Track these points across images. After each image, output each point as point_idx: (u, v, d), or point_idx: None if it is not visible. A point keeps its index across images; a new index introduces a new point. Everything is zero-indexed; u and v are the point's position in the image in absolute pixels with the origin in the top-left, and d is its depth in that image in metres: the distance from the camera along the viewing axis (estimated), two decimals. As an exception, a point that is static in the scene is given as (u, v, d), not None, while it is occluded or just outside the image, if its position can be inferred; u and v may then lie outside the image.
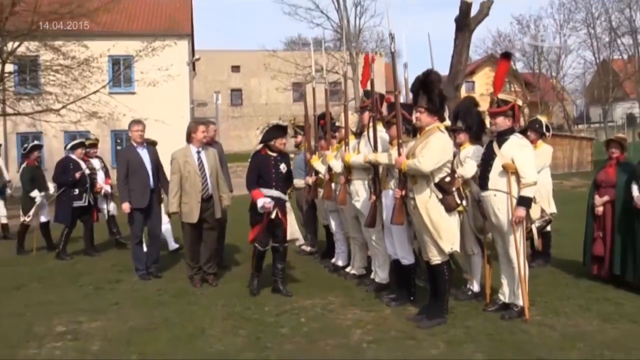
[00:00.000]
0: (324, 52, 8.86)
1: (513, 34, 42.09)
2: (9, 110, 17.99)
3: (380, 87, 5.67)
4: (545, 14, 54.20)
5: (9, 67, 17.30)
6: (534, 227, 6.46)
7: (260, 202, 6.11)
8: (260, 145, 6.56)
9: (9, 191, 11.17)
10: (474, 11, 14.30)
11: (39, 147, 10.44)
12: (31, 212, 9.48)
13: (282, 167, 6.44)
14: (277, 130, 6.46)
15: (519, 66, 42.58)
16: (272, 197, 6.21)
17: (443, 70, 15.35)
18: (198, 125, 7.20)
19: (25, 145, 11.39)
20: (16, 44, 15.99)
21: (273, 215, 6.15)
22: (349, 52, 23.84)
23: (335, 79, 24.47)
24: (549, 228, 7.58)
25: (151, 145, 8.15)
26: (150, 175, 7.55)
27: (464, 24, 14.15)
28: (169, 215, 7.58)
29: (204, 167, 6.95)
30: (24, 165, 9.98)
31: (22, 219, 9.63)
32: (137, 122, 7.90)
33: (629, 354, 4.50)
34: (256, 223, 6.24)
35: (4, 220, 11.21)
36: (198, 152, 6.99)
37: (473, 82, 47.50)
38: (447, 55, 14.54)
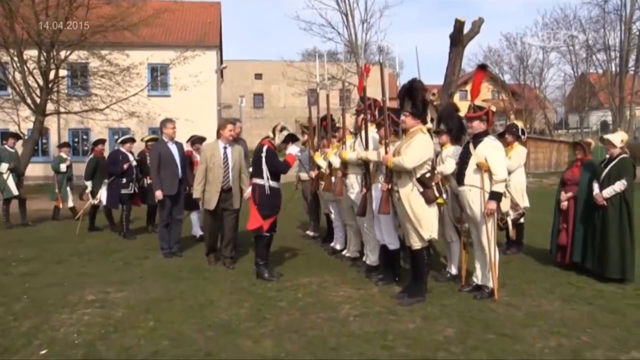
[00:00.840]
0: (326, 62, 8.72)
1: (502, 49, 41.53)
2: (61, 109, 18.10)
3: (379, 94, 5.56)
4: (530, 32, 53.17)
5: (62, 73, 17.39)
6: (509, 219, 6.37)
7: (292, 149, 6.17)
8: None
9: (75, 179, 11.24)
10: (466, 29, 14.18)
11: (102, 141, 10.61)
12: (98, 195, 9.68)
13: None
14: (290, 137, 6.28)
15: (506, 78, 42.17)
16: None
17: (438, 80, 15.25)
18: (227, 123, 7.08)
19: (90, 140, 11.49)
20: (68, 52, 16.04)
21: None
22: (356, 63, 23.65)
23: (345, 86, 24.35)
24: (522, 220, 7.48)
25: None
26: (179, 166, 7.52)
27: (458, 40, 14.02)
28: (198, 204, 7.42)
29: (228, 161, 6.81)
30: (91, 155, 10.31)
31: (92, 201, 9.84)
32: (170, 120, 7.81)
33: (583, 332, 4.41)
34: (269, 215, 5.99)
35: (71, 204, 11.11)
36: (225, 148, 6.86)
37: (466, 91, 47.01)
38: (442, 67, 14.44)
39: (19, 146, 11.47)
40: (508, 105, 41.97)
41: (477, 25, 14.82)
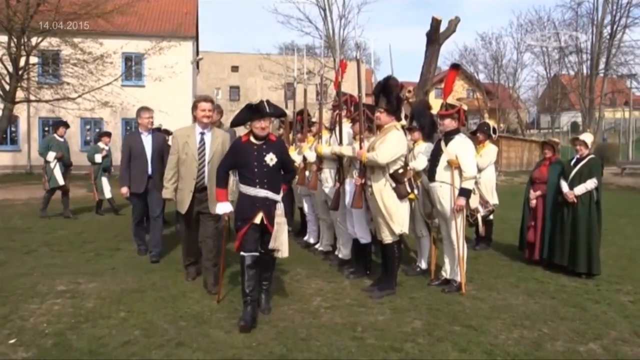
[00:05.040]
0: (305, 56, 8.78)
1: (477, 49, 42.26)
2: (31, 97, 17.75)
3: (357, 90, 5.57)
4: (505, 32, 54.31)
5: (33, 60, 17.05)
6: (479, 216, 6.55)
7: (219, 208, 4.63)
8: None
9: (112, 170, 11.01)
10: (443, 27, 14.40)
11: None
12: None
13: (270, 157, 4.51)
14: (250, 112, 4.56)
15: (481, 77, 42.86)
16: (257, 198, 4.48)
17: (415, 77, 15.44)
18: (199, 101, 5.49)
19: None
20: (39, 39, 15.72)
21: (257, 220, 4.48)
22: (334, 58, 23.75)
23: (322, 80, 24.41)
24: (491, 217, 7.68)
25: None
26: (148, 161, 6.73)
27: (434, 38, 14.27)
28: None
29: (204, 151, 5.36)
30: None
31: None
32: (146, 109, 6.98)
33: (545, 324, 4.59)
34: (238, 228, 4.56)
35: (109, 195, 10.77)
36: (202, 134, 5.40)
37: (442, 88, 47.49)
38: (419, 64, 14.67)
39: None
40: (482, 104, 42.69)
41: (454, 24, 15.08)
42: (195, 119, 5.52)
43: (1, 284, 5.46)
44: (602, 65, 24.10)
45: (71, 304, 4.88)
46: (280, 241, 4.52)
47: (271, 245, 4.52)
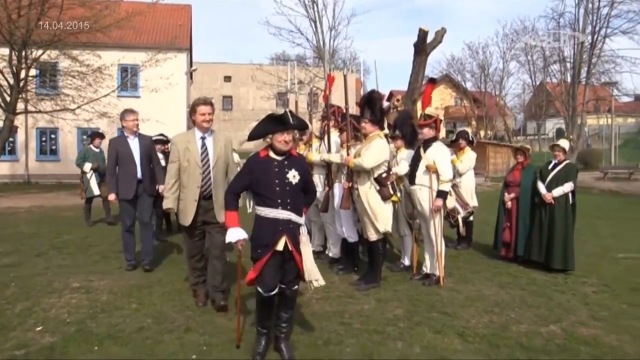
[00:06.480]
0: (296, 67, 9.30)
1: (465, 58, 43.15)
2: (31, 108, 18.15)
3: (351, 99, 5.88)
4: (491, 42, 55.53)
5: (32, 72, 17.47)
6: (459, 217, 7.14)
7: (230, 235, 3.89)
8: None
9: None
10: (430, 38, 14.93)
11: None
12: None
13: (292, 175, 3.90)
14: (272, 123, 3.90)
15: (469, 85, 43.73)
16: (279, 221, 3.84)
17: (403, 86, 15.96)
18: (197, 104, 5.03)
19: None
20: (39, 52, 16.17)
21: (280, 247, 3.84)
22: (324, 68, 24.33)
23: (313, 90, 24.98)
24: (471, 218, 8.21)
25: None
26: (137, 166, 6.51)
27: (421, 49, 14.70)
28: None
29: (208, 156, 4.99)
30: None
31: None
32: (131, 111, 6.69)
33: (512, 311, 5.13)
34: (257, 257, 3.85)
35: (97, 192, 10.51)
36: (202, 138, 5.02)
37: (430, 97, 48.30)
38: (407, 74, 15.16)
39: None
40: (470, 111, 43.52)
41: (440, 34, 15.61)
42: (194, 123, 5.10)
43: (20, 282, 5.92)
44: (583, 74, 24.86)
45: (87, 298, 5.36)
46: (314, 270, 4.00)
47: (307, 278, 3.96)
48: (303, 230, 3.95)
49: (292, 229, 3.87)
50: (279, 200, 3.83)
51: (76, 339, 4.25)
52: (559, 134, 36.76)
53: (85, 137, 10.77)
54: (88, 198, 10.59)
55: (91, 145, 10.75)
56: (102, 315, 4.83)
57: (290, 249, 3.86)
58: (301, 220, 3.96)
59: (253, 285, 3.93)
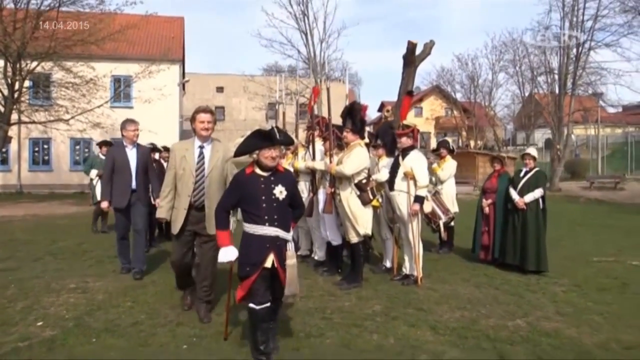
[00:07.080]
0: (285, 78, 9.69)
1: (454, 69, 43.76)
2: (25, 119, 18.45)
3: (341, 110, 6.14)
4: (480, 54, 56.40)
5: (26, 83, 17.80)
6: (440, 223, 7.55)
7: (222, 255, 4.00)
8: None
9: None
10: (419, 50, 15.43)
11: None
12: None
13: (279, 190, 3.98)
14: (259, 139, 3.98)
15: (458, 96, 44.38)
16: (266, 238, 3.91)
17: (392, 97, 16.37)
18: (197, 112, 4.97)
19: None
20: (34, 64, 16.51)
21: (269, 264, 3.91)
22: (315, 79, 24.78)
23: (304, 101, 25.44)
24: (452, 223, 8.60)
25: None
26: (132, 175, 6.64)
27: (410, 61, 15.18)
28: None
29: (203, 165, 4.91)
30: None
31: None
32: (132, 121, 6.81)
33: (483, 307, 5.51)
34: (245, 275, 3.93)
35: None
36: (201, 147, 4.94)
37: (421, 107, 49.08)
38: (397, 85, 15.63)
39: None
40: (460, 122, 44.14)
41: (429, 47, 16.11)
42: (194, 131, 5.01)
43: (19, 284, 6.24)
44: (569, 85, 25.44)
45: (83, 297, 5.70)
46: (295, 285, 4.05)
47: (286, 292, 4.01)
48: (290, 246, 4.04)
49: (279, 246, 3.95)
50: (266, 217, 3.89)
51: (75, 333, 4.59)
52: (548, 143, 37.44)
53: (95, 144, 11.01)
54: (94, 203, 10.90)
55: (99, 153, 11.11)
56: (98, 312, 5.17)
57: (276, 265, 3.91)
58: (289, 236, 4.02)
59: (243, 303, 4.02)
